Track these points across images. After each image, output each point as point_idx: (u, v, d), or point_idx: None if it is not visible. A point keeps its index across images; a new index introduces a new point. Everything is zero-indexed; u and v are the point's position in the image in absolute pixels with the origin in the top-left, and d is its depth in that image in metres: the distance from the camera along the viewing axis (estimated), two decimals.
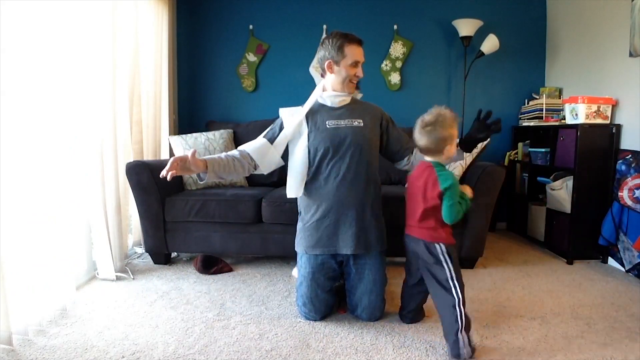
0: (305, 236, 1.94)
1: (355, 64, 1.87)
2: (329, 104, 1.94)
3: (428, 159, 1.69)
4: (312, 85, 3.57)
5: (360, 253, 1.90)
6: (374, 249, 1.91)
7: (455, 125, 1.64)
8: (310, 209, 1.92)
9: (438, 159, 1.67)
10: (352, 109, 1.94)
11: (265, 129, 2.05)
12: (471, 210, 2.56)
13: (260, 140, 1.98)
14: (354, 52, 1.86)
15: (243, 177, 1.95)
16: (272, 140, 1.97)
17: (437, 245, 1.65)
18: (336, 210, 1.87)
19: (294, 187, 1.92)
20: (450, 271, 1.63)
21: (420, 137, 1.65)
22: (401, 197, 2.63)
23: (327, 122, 1.90)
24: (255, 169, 1.96)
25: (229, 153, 1.92)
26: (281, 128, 1.97)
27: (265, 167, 1.97)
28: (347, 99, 1.95)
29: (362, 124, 1.91)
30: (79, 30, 2.20)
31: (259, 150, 1.95)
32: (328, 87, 1.95)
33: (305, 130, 1.91)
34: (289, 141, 1.95)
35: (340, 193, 1.87)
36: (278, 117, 2.03)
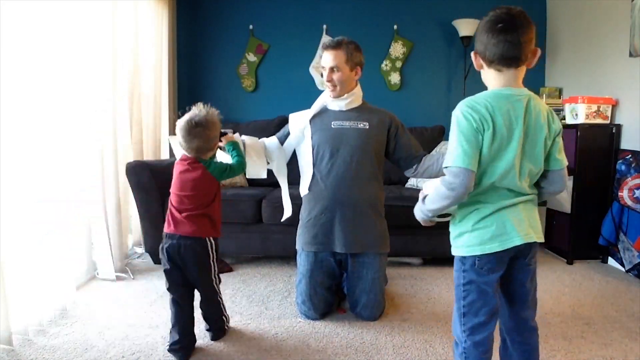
0: (303, 233, 1.96)
1: (325, 69, 1.89)
2: (336, 108, 1.96)
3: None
4: (312, 85, 3.58)
5: (356, 252, 1.90)
6: (371, 249, 1.91)
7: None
8: (309, 206, 1.94)
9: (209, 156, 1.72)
10: (360, 112, 1.96)
11: (265, 129, 2.06)
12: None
13: (274, 138, 2.06)
14: (323, 59, 1.91)
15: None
16: (282, 141, 2.04)
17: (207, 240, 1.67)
18: (333, 208, 1.88)
19: (306, 186, 1.96)
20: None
21: (191, 139, 1.63)
22: (401, 198, 2.65)
23: (332, 123, 1.93)
24: (268, 163, 2.01)
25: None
26: (289, 133, 2.03)
27: (275, 164, 2.02)
28: (355, 102, 1.96)
29: (367, 127, 1.92)
30: (79, 30, 2.20)
31: (273, 145, 2.03)
32: None
33: (309, 133, 1.95)
34: (296, 145, 2.00)
35: (339, 192, 1.87)
36: (278, 117, 2.04)
